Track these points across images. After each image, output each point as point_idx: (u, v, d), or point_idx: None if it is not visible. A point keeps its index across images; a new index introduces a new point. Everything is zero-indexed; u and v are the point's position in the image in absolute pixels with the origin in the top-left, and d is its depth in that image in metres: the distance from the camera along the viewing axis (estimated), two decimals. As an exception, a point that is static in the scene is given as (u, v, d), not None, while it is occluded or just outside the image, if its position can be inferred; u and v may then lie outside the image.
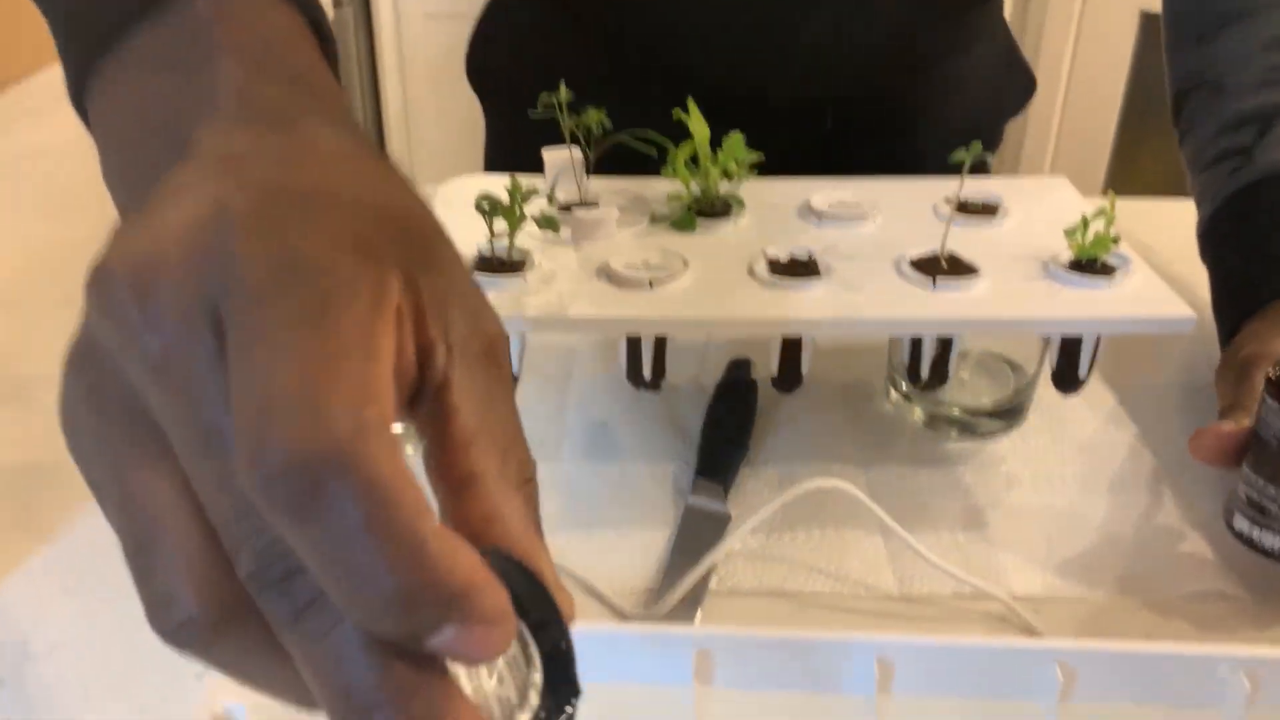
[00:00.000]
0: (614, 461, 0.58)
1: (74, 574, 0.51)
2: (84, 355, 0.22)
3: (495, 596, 0.20)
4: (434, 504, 0.22)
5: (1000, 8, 0.85)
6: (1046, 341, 0.56)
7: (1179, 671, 0.37)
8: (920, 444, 0.59)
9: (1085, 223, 0.54)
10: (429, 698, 0.20)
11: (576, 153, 0.60)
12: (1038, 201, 0.62)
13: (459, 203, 0.57)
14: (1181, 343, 0.67)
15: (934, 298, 0.52)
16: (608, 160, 0.60)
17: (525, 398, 0.58)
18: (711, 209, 0.60)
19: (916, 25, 0.75)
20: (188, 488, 0.21)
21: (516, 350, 0.54)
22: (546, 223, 0.55)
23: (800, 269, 0.54)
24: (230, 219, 0.21)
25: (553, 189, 0.59)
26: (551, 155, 0.61)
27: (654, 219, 0.60)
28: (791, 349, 0.53)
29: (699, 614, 0.48)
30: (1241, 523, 0.47)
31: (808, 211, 0.61)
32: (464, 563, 0.20)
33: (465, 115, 0.88)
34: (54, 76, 0.32)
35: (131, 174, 0.27)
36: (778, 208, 0.61)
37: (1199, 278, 0.63)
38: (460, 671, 0.21)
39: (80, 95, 0.30)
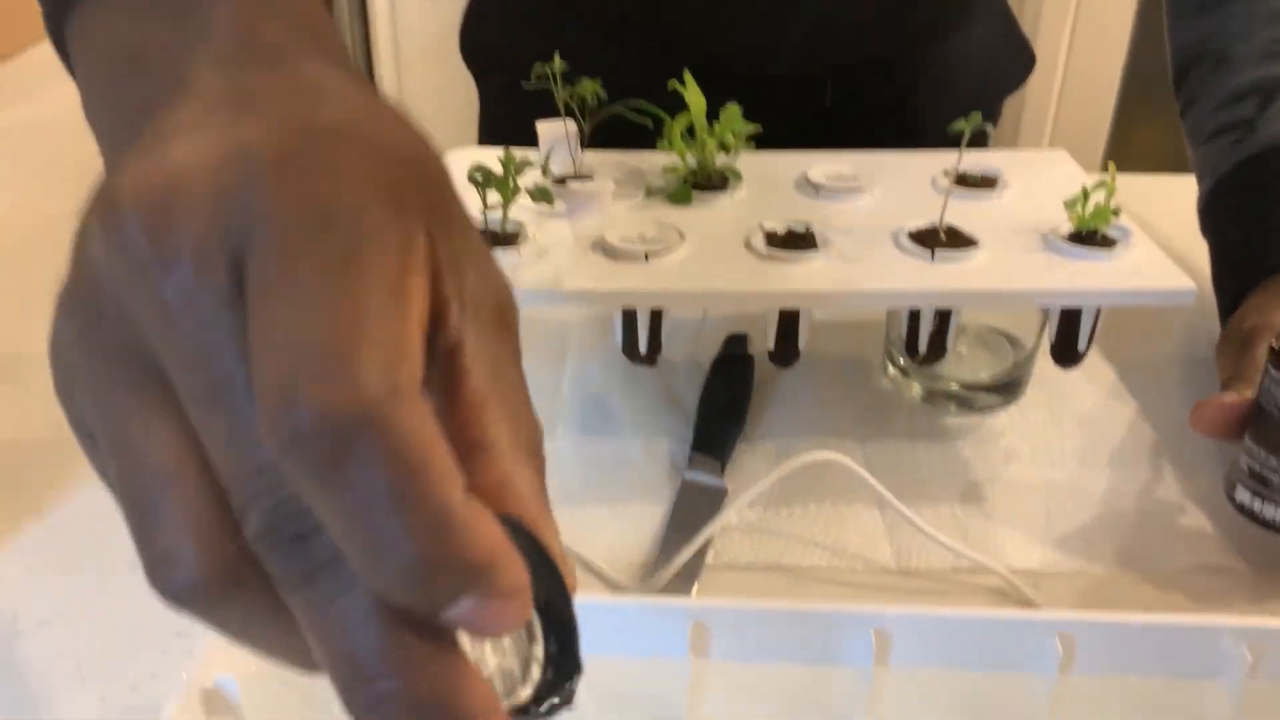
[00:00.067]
0: (610, 437, 0.57)
1: (65, 550, 0.50)
2: (80, 294, 0.21)
3: (516, 571, 0.19)
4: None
5: (999, -18, 0.84)
6: (1045, 315, 0.55)
7: (1180, 643, 0.37)
8: (918, 419, 0.59)
9: (1085, 194, 0.53)
10: (438, 670, 0.19)
11: (571, 125, 0.59)
12: (1037, 174, 0.61)
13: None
14: (1181, 317, 0.67)
15: (933, 270, 0.52)
16: (603, 135, 0.59)
17: (520, 373, 0.57)
18: (708, 182, 0.59)
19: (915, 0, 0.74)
20: (193, 440, 0.20)
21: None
22: (540, 195, 0.54)
23: (797, 242, 0.54)
24: (256, 160, 0.20)
25: (546, 161, 0.59)
26: (546, 127, 0.60)
27: (649, 192, 0.59)
28: (788, 323, 0.53)
29: (695, 588, 0.47)
30: (1243, 494, 0.47)
31: (805, 184, 0.60)
32: (488, 535, 0.19)
33: (459, 93, 0.87)
34: (48, 52, 0.31)
35: (119, 116, 0.25)
36: (775, 180, 0.61)
37: (1198, 253, 0.62)
38: (464, 641, 0.21)
39: (59, 30, 0.29)
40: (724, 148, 0.59)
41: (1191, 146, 0.67)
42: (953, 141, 0.54)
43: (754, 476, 0.51)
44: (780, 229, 0.55)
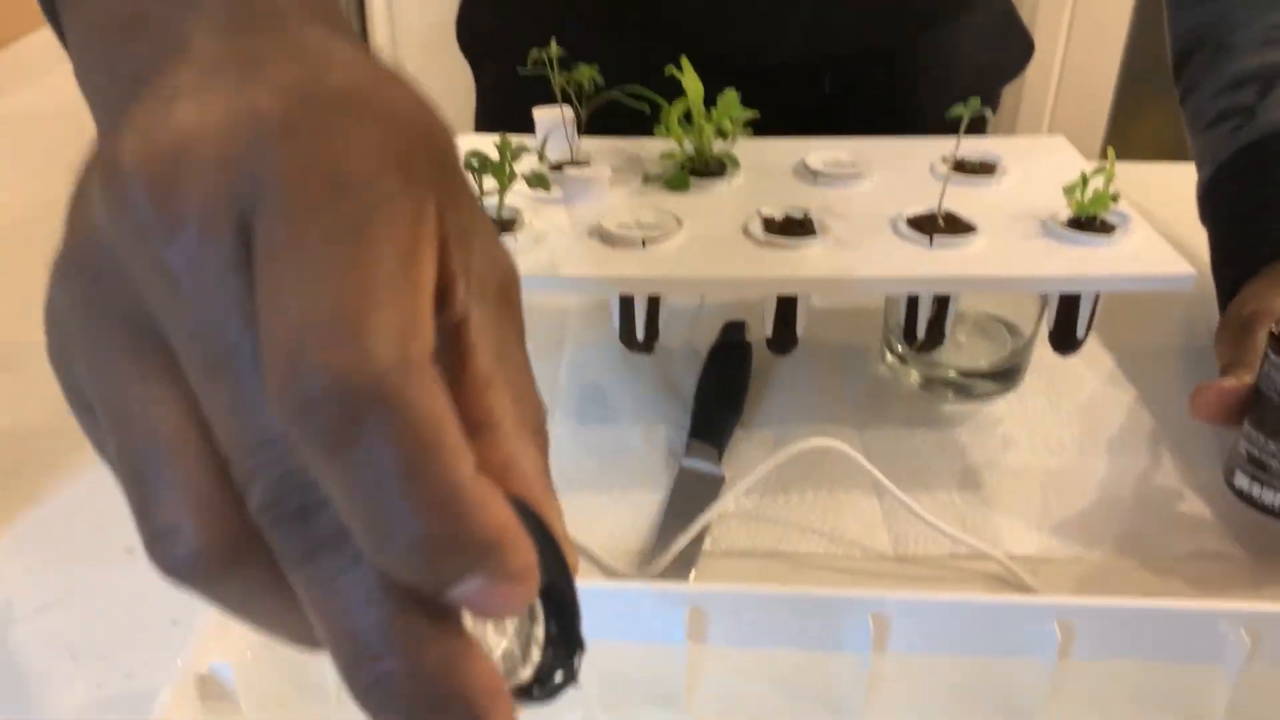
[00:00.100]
0: (607, 424, 0.57)
1: (60, 538, 0.50)
2: (78, 259, 0.20)
3: (525, 552, 0.19)
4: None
5: (998, -30, 0.84)
6: (1044, 302, 0.55)
7: (1179, 628, 0.37)
8: (916, 406, 0.59)
9: (1084, 179, 0.53)
10: (442, 649, 0.19)
11: (568, 111, 0.59)
12: (1036, 161, 0.61)
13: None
14: (1180, 305, 0.67)
15: (931, 256, 0.51)
16: (600, 121, 0.59)
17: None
18: (705, 168, 0.59)
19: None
20: (194, 410, 0.19)
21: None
22: (537, 181, 0.54)
23: (795, 228, 0.54)
24: (264, 123, 0.19)
25: (543, 147, 0.58)
26: (542, 114, 0.60)
27: (647, 179, 0.59)
28: (786, 309, 0.53)
29: (693, 574, 0.47)
30: (1242, 480, 0.47)
31: (803, 171, 0.60)
32: (497, 513, 0.18)
33: (456, 81, 0.87)
34: (45, 39, 0.31)
35: (114, 84, 0.25)
36: (773, 167, 0.61)
37: (1197, 241, 0.62)
38: (465, 621, 0.20)
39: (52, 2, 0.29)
40: (721, 134, 0.59)
41: (1191, 134, 0.67)
42: (951, 129, 0.54)
43: (751, 464, 0.51)
44: (778, 215, 0.55)
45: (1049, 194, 0.55)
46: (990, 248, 0.52)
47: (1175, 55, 0.70)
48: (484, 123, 0.85)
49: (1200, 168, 0.65)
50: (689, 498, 0.51)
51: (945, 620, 0.37)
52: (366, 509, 0.18)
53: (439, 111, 0.22)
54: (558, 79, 0.56)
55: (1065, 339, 0.54)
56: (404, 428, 0.17)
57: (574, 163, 0.59)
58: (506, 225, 0.53)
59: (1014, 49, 0.85)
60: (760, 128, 0.61)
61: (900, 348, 0.60)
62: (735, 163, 0.60)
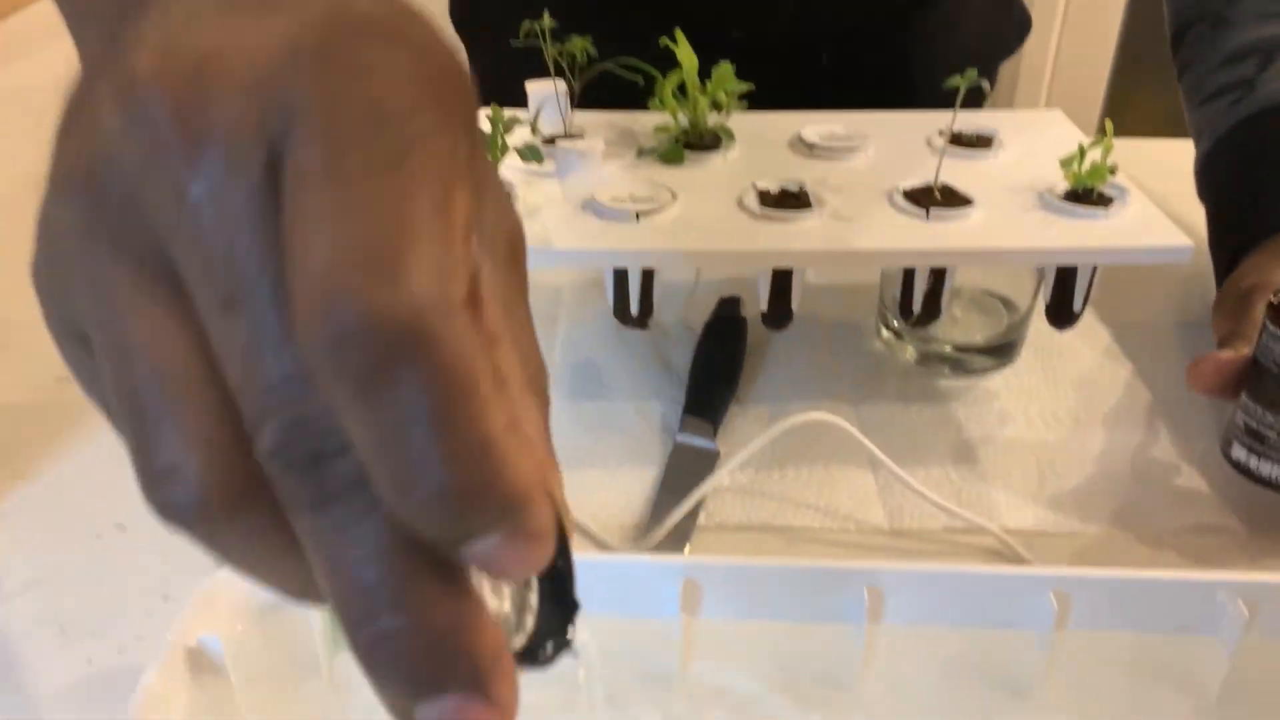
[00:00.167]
0: (601, 400, 0.57)
1: (50, 513, 0.50)
2: (81, 176, 0.19)
3: (547, 512, 0.18)
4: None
5: (995, -56, 0.83)
6: (1040, 277, 0.55)
7: (1175, 598, 0.36)
8: (912, 381, 0.58)
9: (1082, 151, 0.52)
10: (450, 609, 0.18)
11: (561, 84, 0.58)
12: (1033, 134, 0.60)
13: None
14: (1176, 280, 0.66)
15: (927, 228, 0.51)
16: (593, 95, 0.58)
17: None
18: (700, 141, 0.58)
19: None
20: (203, 346, 0.18)
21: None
22: (529, 153, 0.53)
23: (791, 201, 0.53)
24: (297, 48, 0.18)
25: (536, 119, 0.58)
26: (535, 86, 0.59)
27: (641, 152, 0.58)
28: (781, 283, 0.52)
29: (687, 549, 0.47)
30: (1239, 452, 0.46)
31: (799, 144, 0.59)
32: (526, 470, 0.18)
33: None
34: (38, 14, 0.30)
35: (113, 9, 0.23)
36: (768, 140, 0.60)
37: (1194, 218, 0.62)
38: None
39: None
40: (716, 107, 0.58)
41: (1189, 108, 0.67)
42: (948, 104, 0.53)
43: (746, 439, 0.51)
44: (773, 188, 0.54)
45: (1046, 167, 0.55)
46: (987, 220, 0.52)
47: (1173, 29, 0.69)
48: (479, 101, 0.84)
49: (1198, 142, 0.64)
50: (684, 473, 0.51)
51: (940, 591, 0.37)
52: (392, 454, 0.17)
53: (461, 52, 0.21)
54: (550, 51, 0.55)
55: (1062, 313, 0.53)
56: (439, 372, 0.17)
57: (567, 136, 0.58)
58: (499, 198, 0.52)
59: (1011, 24, 0.85)
60: (758, 104, 0.60)
61: (896, 323, 0.60)
62: (730, 136, 0.59)
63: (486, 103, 0.82)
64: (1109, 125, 0.52)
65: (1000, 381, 0.58)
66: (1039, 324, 0.56)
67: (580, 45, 0.55)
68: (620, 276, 0.52)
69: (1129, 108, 1.63)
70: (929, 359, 0.59)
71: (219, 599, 0.36)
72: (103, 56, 0.19)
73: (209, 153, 0.18)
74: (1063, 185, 0.54)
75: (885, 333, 0.61)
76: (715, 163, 0.58)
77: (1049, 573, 0.37)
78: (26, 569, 0.46)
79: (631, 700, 0.38)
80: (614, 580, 0.37)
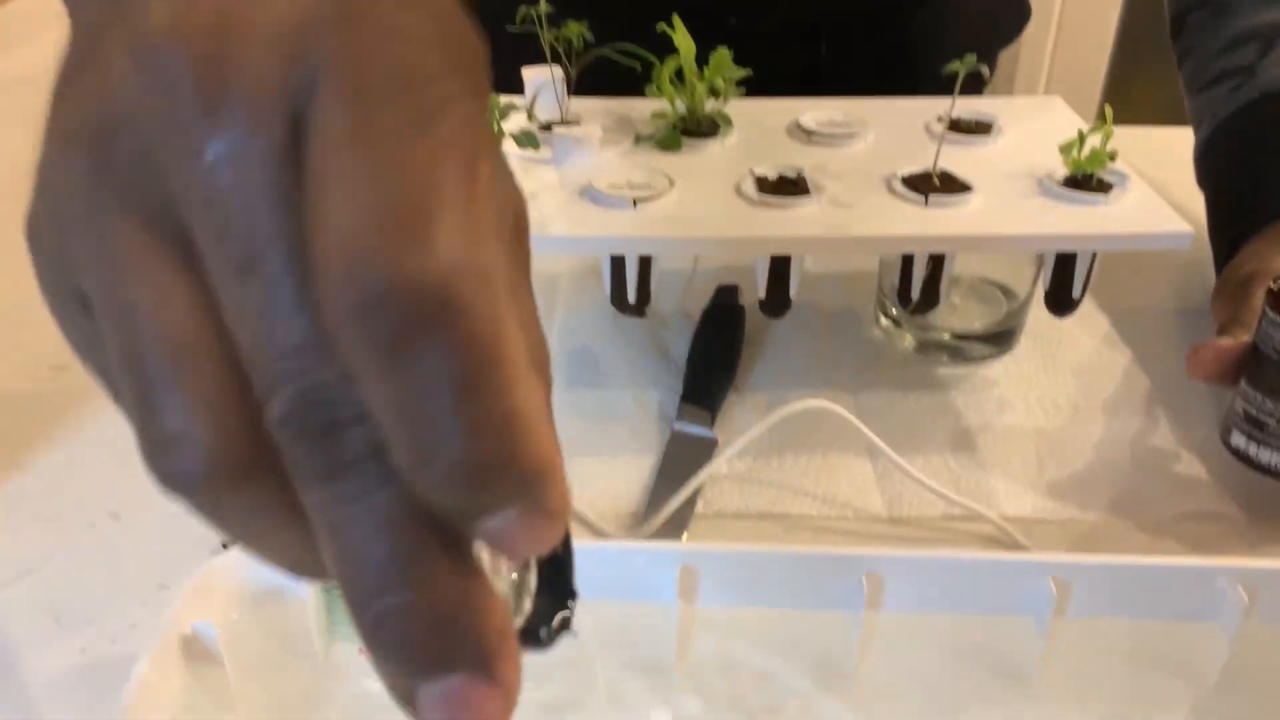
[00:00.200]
0: (599, 389, 0.56)
1: (44, 502, 0.50)
2: (90, 130, 0.18)
3: (564, 489, 0.18)
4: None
5: (995, -69, 0.83)
6: (1040, 262, 0.54)
7: (1175, 585, 0.36)
8: (910, 369, 0.58)
9: (1082, 137, 0.52)
10: (459, 587, 0.18)
11: (557, 71, 0.58)
12: (1032, 120, 0.60)
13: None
14: (1175, 267, 0.66)
15: (926, 215, 0.51)
16: (589, 81, 0.58)
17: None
18: (698, 128, 0.58)
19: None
20: (213, 310, 0.17)
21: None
22: (526, 140, 0.53)
23: (789, 187, 0.53)
24: (321, 7, 0.18)
25: (532, 106, 0.57)
26: (531, 73, 0.58)
27: (638, 139, 0.58)
28: (779, 271, 0.52)
29: (685, 537, 0.47)
30: (1238, 439, 0.46)
31: (797, 130, 0.59)
32: (547, 444, 0.17)
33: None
34: (30, 5, 0.30)
35: None
36: (766, 127, 0.60)
37: (1194, 206, 0.61)
38: None
39: None
40: (714, 93, 0.58)
41: (1189, 94, 0.66)
42: (947, 90, 0.53)
43: (744, 427, 0.50)
44: (771, 175, 0.54)
45: (1045, 153, 0.55)
46: (986, 207, 0.51)
47: (1172, 15, 0.69)
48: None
49: (1197, 129, 0.64)
50: (681, 461, 0.51)
51: (939, 578, 0.37)
52: (414, 423, 0.16)
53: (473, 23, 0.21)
54: (547, 36, 0.55)
55: (1061, 300, 0.53)
56: (467, 340, 0.16)
57: (564, 122, 0.58)
58: (495, 185, 0.52)
59: (1010, 12, 0.84)
60: (757, 92, 0.60)
61: (895, 311, 0.60)
62: (728, 122, 0.59)
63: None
64: (1108, 111, 0.52)
65: (999, 369, 0.58)
66: (1038, 311, 0.56)
67: (577, 30, 0.55)
68: (617, 264, 0.51)
69: (1128, 96, 1.63)
70: (927, 347, 0.59)
71: (213, 586, 0.36)
72: (110, 11, 0.18)
73: (229, 111, 0.17)
74: (1062, 171, 0.53)
75: (884, 320, 0.61)
76: (713, 149, 0.57)
77: (1048, 559, 0.37)
78: (20, 558, 0.46)
79: (629, 687, 0.38)
80: (611, 567, 0.37)
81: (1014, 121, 0.59)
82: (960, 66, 0.50)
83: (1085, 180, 0.52)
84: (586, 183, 0.52)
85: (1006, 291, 0.59)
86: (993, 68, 0.87)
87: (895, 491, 0.49)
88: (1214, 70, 0.63)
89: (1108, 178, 0.53)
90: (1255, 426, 0.45)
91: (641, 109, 0.60)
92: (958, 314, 0.59)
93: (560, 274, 0.66)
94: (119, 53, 0.18)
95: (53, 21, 0.29)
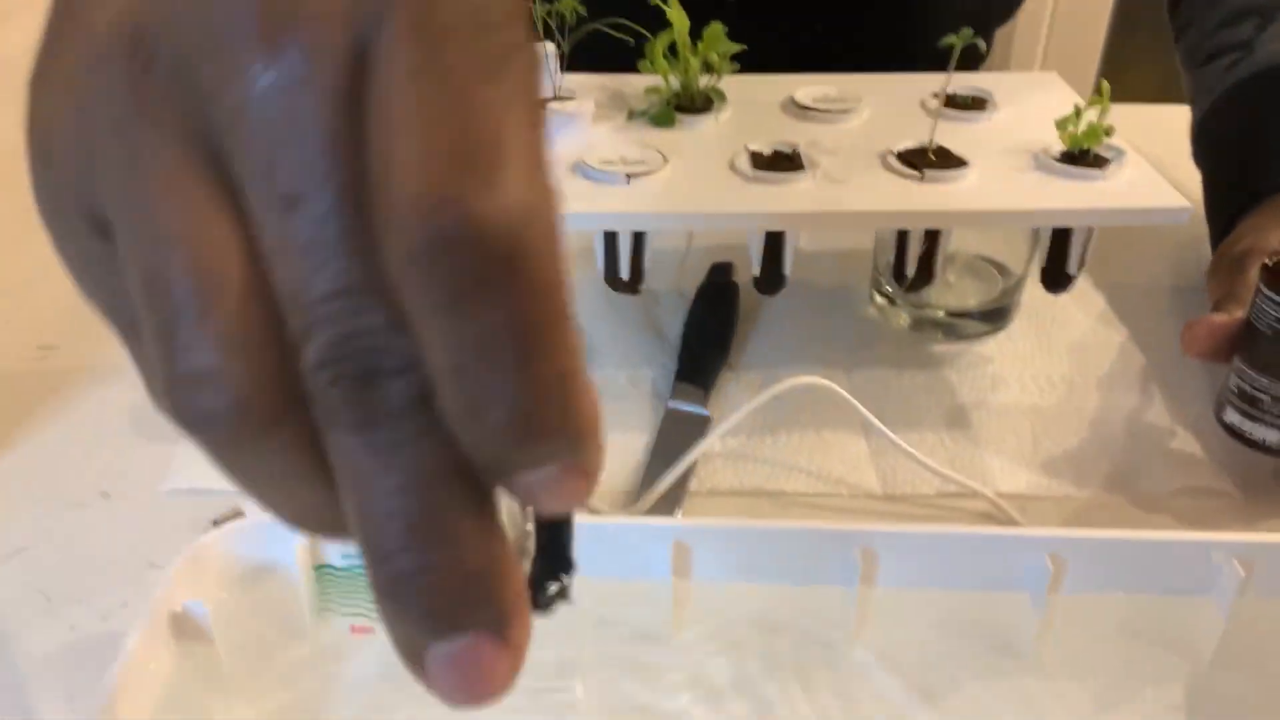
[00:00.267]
0: (592, 367, 0.56)
1: (32, 481, 0.49)
2: (128, 41, 0.17)
3: (602, 448, 0.18)
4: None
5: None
6: (1036, 238, 0.54)
7: (1170, 560, 0.36)
8: (904, 347, 0.58)
9: (1078, 112, 0.52)
10: (485, 548, 0.17)
11: (550, 46, 0.57)
12: (1028, 96, 0.60)
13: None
14: (1171, 245, 0.66)
15: (922, 190, 0.50)
16: (582, 58, 0.57)
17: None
18: (691, 104, 0.58)
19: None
20: (251, 244, 0.17)
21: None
22: (518, 115, 0.52)
23: (783, 163, 0.52)
24: None
25: (525, 82, 0.57)
26: (523, 48, 0.58)
27: (631, 114, 0.57)
28: (774, 247, 0.52)
29: (679, 514, 0.47)
30: (1232, 415, 0.46)
31: (791, 106, 0.59)
32: (593, 402, 0.17)
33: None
34: None
35: None
36: (760, 103, 0.59)
37: (1191, 184, 0.61)
38: None
39: None
40: (708, 68, 0.58)
41: (1186, 71, 0.66)
42: (943, 66, 0.52)
43: (738, 405, 0.50)
44: (766, 150, 0.53)
45: (1042, 129, 0.54)
46: (982, 182, 0.51)
47: (1171, -9, 0.68)
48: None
49: (1194, 105, 0.63)
50: (675, 439, 0.50)
51: (934, 554, 0.37)
52: (472, 373, 0.16)
53: None
54: (539, 11, 0.54)
55: (1057, 276, 0.53)
56: (535, 290, 0.16)
57: (557, 98, 0.57)
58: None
59: (1006, -9, 0.84)
60: (751, 68, 0.59)
61: (889, 289, 0.59)
62: (722, 98, 0.58)
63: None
64: (1105, 85, 0.52)
65: (994, 346, 0.58)
66: (1033, 289, 0.56)
67: (569, 4, 0.54)
68: (610, 240, 0.51)
69: (1124, 74, 1.62)
70: (922, 324, 0.59)
71: (203, 564, 0.36)
72: None
73: (289, 38, 0.16)
74: (1058, 147, 0.53)
75: (878, 298, 0.61)
76: (707, 125, 0.57)
77: (1044, 534, 0.36)
78: (9, 537, 0.46)
79: (622, 662, 0.38)
80: (604, 543, 0.36)
81: (1010, 97, 0.59)
82: (956, 40, 0.50)
83: (1082, 155, 0.52)
84: (579, 159, 0.52)
85: (1002, 269, 0.59)
86: (989, 45, 0.86)
87: (890, 468, 0.49)
88: (1211, 46, 0.62)
89: (1104, 153, 0.52)
90: (1249, 403, 0.45)
91: (635, 84, 0.60)
92: (953, 291, 0.58)
93: (553, 252, 0.65)
94: None
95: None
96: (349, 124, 0.16)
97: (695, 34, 0.56)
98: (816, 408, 0.52)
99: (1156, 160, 0.53)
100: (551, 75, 0.58)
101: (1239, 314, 0.47)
